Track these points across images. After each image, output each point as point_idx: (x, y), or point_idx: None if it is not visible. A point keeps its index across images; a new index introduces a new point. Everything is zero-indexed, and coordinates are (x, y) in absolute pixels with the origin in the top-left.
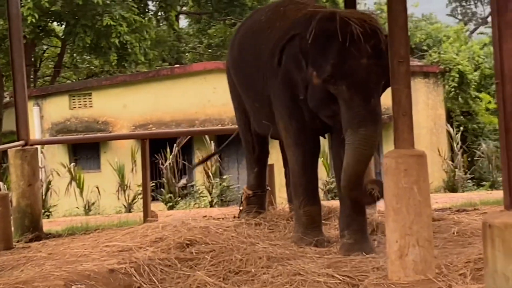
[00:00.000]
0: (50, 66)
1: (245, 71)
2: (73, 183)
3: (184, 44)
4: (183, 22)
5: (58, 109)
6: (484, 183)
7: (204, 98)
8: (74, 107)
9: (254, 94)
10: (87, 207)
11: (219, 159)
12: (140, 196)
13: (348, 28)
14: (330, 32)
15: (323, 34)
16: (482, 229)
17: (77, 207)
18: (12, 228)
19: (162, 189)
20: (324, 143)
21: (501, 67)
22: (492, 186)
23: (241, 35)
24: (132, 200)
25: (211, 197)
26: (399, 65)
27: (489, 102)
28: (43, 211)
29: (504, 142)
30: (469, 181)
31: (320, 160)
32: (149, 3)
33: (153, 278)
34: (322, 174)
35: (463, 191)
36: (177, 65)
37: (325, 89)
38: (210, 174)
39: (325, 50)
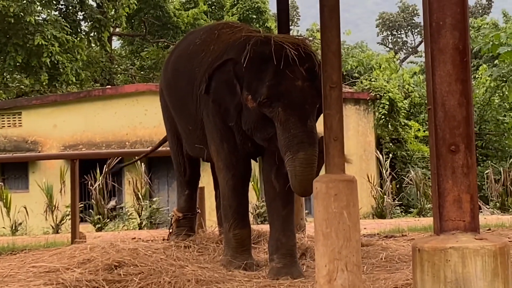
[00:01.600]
0: None
1: (179, 93)
2: (0, 203)
3: (116, 66)
4: (116, 43)
5: None
6: (412, 209)
7: (135, 119)
8: (3, 126)
9: (187, 117)
10: (14, 227)
11: (149, 181)
12: (68, 217)
13: (283, 51)
14: (265, 55)
15: (258, 58)
16: (412, 253)
17: (3, 227)
18: None
19: (90, 210)
20: (254, 166)
21: (433, 93)
22: (420, 213)
23: (176, 57)
24: (60, 221)
25: (141, 219)
26: (331, 90)
27: (418, 130)
28: None
29: (434, 168)
30: (397, 207)
31: (250, 184)
32: (82, 23)
33: None
34: (252, 198)
35: (391, 218)
36: (109, 86)
37: (260, 112)
38: (140, 196)
39: (261, 73)
